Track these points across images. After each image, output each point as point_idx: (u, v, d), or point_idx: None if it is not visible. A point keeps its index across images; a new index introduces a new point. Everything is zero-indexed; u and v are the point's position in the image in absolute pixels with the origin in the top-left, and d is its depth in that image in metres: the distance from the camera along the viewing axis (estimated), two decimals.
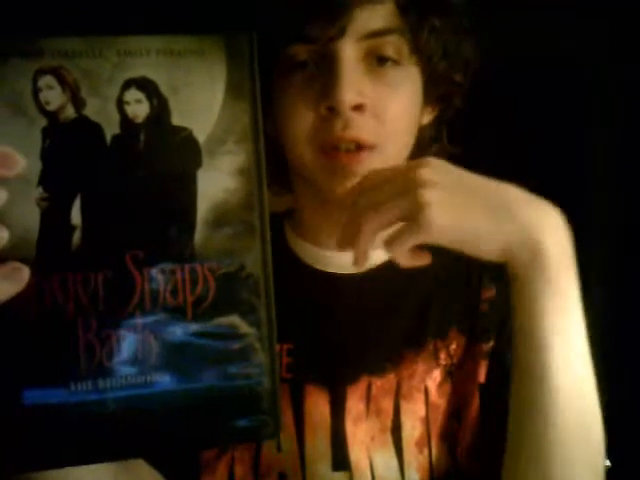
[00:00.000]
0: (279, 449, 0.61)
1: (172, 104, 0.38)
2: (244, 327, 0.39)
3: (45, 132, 0.37)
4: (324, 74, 0.56)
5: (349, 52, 0.56)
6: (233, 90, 0.38)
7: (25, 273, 0.36)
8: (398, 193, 0.47)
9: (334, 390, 0.62)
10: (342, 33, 0.55)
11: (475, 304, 0.66)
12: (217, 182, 0.38)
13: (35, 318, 0.37)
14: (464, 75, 0.65)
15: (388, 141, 0.59)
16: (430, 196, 0.46)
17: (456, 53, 0.63)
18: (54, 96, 0.37)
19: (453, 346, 0.64)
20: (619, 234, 1.27)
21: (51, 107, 0.37)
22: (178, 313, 0.38)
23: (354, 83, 0.56)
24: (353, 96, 0.56)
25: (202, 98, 0.38)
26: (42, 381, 0.37)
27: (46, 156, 0.37)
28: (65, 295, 0.37)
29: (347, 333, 0.64)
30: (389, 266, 0.69)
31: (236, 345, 0.39)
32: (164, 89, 0.37)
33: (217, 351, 0.38)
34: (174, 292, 0.38)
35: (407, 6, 0.58)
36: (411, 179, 0.47)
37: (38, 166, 0.37)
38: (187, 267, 0.38)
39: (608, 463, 0.64)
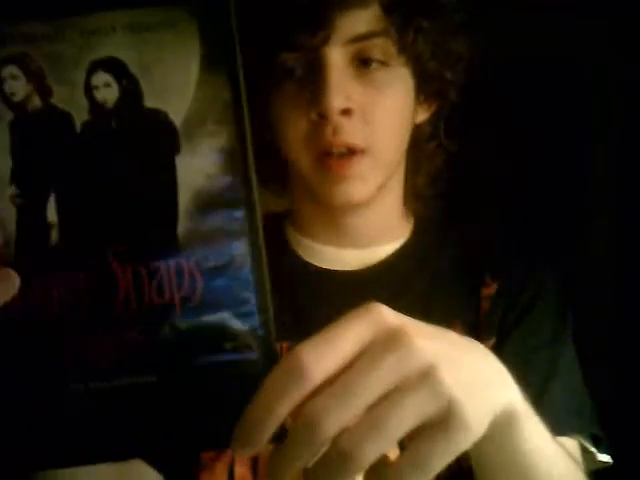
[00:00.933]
0: None
1: (144, 84, 0.34)
2: (237, 324, 0.36)
3: (12, 126, 0.35)
4: (313, 81, 0.57)
5: (335, 58, 0.57)
6: (209, 65, 0.34)
7: (15, 279, 0.35)
8: (406, 388, 0.31)
9: None
10: (326, 40, 0.56)
11: (476, 302, 0.66)
12: (198, 167, 0.34)
13: (18, 320, 0.35)
14: (456, 72, 0.65)
15: (379, 143, 0.60)
16: (450, 377, 0.32)
17: (446, 51, 0.63)
18: (19, 86, 0.34)
19: None
20: (619, 234, 1.28)
21: (16, 98, 0.35)
22: (166, 310, 0.35)
23: (341, 88, 0.57)
24: (341, 101, 0.57)
25: (176, 76, 0.34)
26: (27, 380, 0.36)
27: (15, 151, 0.35)
28: (48, 295, 0.35)
29: None
30: (389, 263, 0.69)
31: (229, 344, 0.36)
32: (134, 68, 0.34)
33: (209, 350, 0.36)
34: (160, 288, 0.35)
35: (392, 8, 0.58)
36: (407, 355, 0.32)
37: (9, 163, 0.35)
38: (172, 262, 0.35)
39: (609, 460, 0.65)
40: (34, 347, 0.36)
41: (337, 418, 0.30)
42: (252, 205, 0.35)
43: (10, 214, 0.35)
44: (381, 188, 0.63)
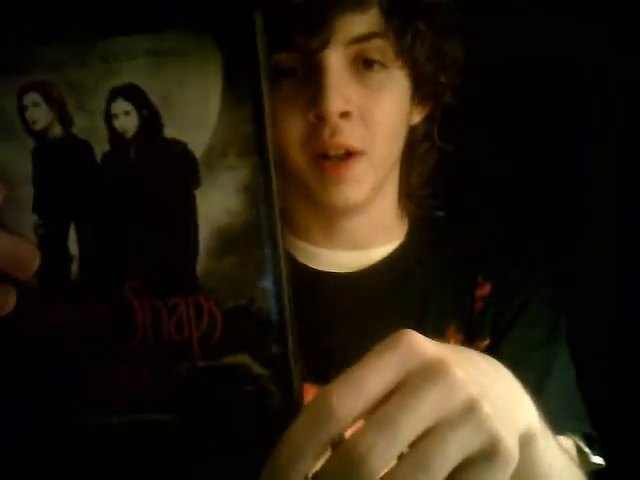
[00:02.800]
0: None
1: (163, 114, 0.33)
2: (256, 368, 0.33)
3: (34, 154, 0.34)
4: (312, 82, 0.58)
5: (335, 60, 0.57)
6: (232, 94, 0.32)
7: (10, 299, 0.33)
8: (451, 423, 0.30)
9: None
10: (326, 43, 0.56)
11: (470, 303, 0.66)
12: (219, 203, 0.33)
13: (34, 348, 0.35)
14: (452, 75, 0.66)
15: (376, 146, 0.60)
16: (490, 409, 0.31)
17: (442, 54, 0.63)
18: (40, 114, 0.33)
19: (451, 344, 0.64)
20: (619, 234, 1.27)
21: (38, 126, 0.34)
22: (184, 348, 0.34)
23: (340, 91, 0.57)
24: (340, 104, 0.57)
25: (197, 105, 0.32)
26: (40, 408, 0.35)
27: (37, 180, 0.34)
28: (66, 325, 0.35)
29: (342, 332, 0.65)
30: (384, 264, 0.69)
31: (250, 387, 0.34)
32: (153, 97, 0.32)
33: (228, 393, 0.34)
34: (178, 326, 0.34)
35: (391, 10, 0.59)
36: (451, 389, 0.31)
37: (31, 191, 0.34)
38: (191, 300, 0.34)
39: (602, 462, 0.65)
40: (50, 376, 0.35)
41: (385, 456, 0.29)
42: (276, 243, 0.33)
43: (33, 243, 0.34)
44: (376, 189, 0.64)
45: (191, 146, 0.33)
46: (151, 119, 0.33)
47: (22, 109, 0.33)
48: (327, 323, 0.65)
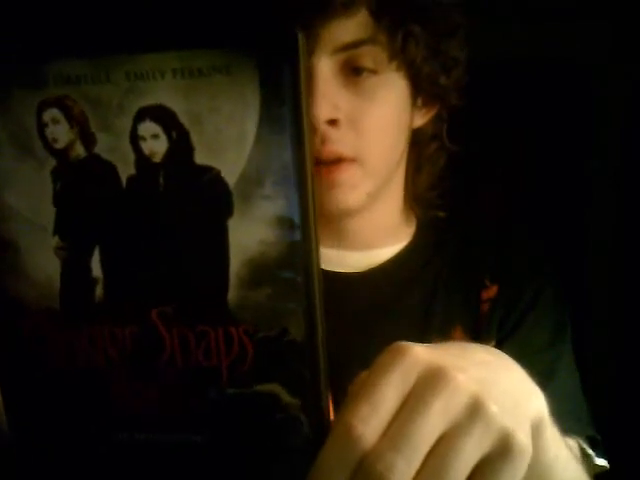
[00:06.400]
0: None
1: (194, 137, 0.30)
2: (286, 397, 0.33)
3: (55, 174, 0.32)
4: None
5: (323, 67, 0.56)
6: (269, 117, 0.29)
7: None
8: (459, 427, 0.31)
9: (336, 391, 0.62)
10: (312, 51, 0.55)
11: (476, 305, 0.66)
12: (252, 233, 0.31)
13: (66, 373, 0.35)
14: (454, 75, 0.65)
15: (369, 152, 0.60)
16: (496, 405, 0.32)
17: (441, 55, 0.62)
18: (61, 132, 0.31)
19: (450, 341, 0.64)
20: (619, 234, 1.28)
21: (59, 145, 0.32)
22: (212, 374, 0.33)
23: (329, 98, 0.56)
24: (327, 111, 0.56)
25: (230, 129, 0.30)
26: (73, 426, 0.36)
27: (58, 201, 0.32)
28: (93, 346, 0.34)
29: (349, 332, 0.64)
30: (390, 265, 0.69)
31: (278, 416, 0.33)
32: (184, 119, 0.30)
33: (257, 420, 0.34)
34: (207, 353, 0.33)
35: (381, 14, 0.57)
36: (453, 394, 0.31)
37: (52, 213, 0.32)
38: (221, 330, 0.33)
39: (606, 464, 0.65)
40: (80, 395, 0.35)
41: (405, 472, 0.30)
42: (311, 276, 0.32)
43: (55, 266, 0.33)
44: (372, 195, 0.63)
45: (224, 173, 0.31)
46: (181, 143, 0.31)
47: (42, 127, 0.32)
48: (331, 322, 0.65)
